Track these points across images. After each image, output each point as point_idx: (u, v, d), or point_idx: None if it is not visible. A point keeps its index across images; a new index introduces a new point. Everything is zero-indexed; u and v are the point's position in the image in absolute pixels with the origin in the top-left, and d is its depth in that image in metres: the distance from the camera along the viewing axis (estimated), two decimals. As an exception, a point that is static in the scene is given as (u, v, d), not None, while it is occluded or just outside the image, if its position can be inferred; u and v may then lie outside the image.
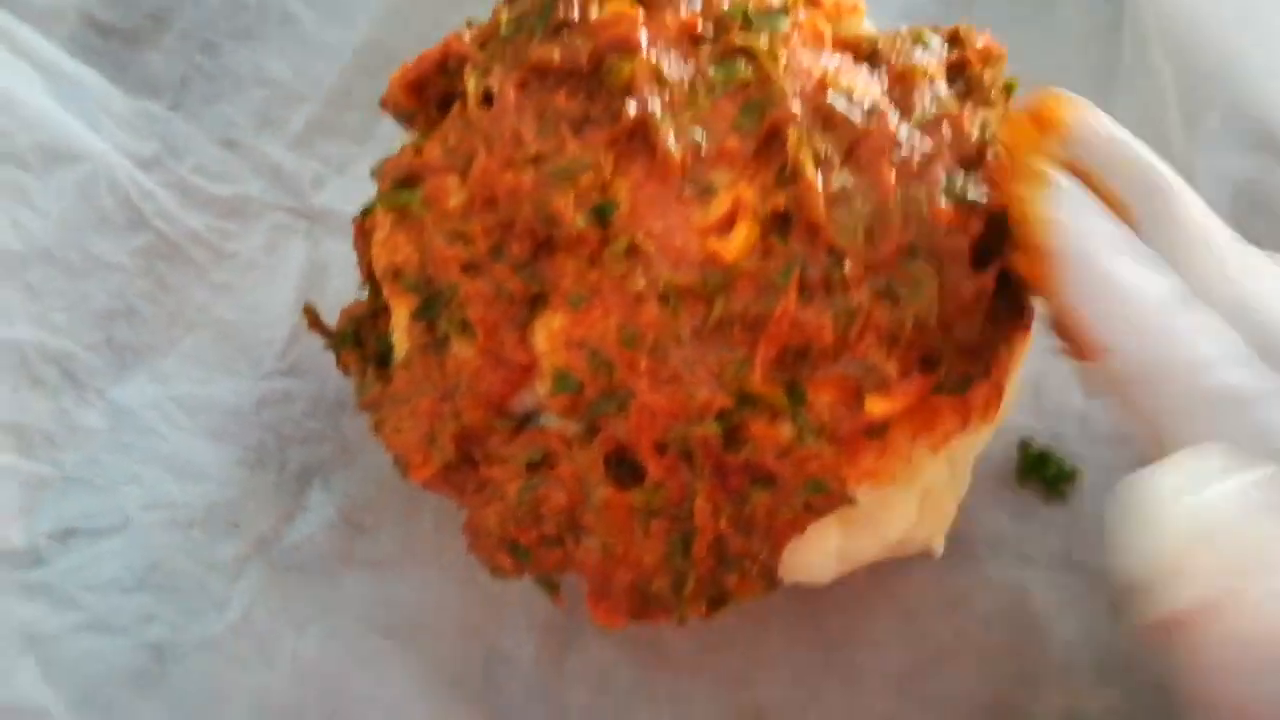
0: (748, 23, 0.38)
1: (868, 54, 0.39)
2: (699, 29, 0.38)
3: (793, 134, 0.36)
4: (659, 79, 0.37)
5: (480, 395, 0.38)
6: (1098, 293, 0.33)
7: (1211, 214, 0.35)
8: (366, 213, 0.41)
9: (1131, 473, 0.30)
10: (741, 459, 0.36)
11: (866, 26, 0.41)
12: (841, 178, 0.36)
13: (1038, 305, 0.39)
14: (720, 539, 0.37)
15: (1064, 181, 0.35)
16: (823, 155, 0.36)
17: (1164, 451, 0.31)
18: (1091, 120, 0.36)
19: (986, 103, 0.39)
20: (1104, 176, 0.35)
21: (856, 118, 0.37)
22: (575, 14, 0.38)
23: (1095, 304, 0.34)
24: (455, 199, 0.38)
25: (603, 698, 0.46)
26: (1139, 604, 0.29)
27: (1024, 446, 0.48)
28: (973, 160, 0.38)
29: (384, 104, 0.43)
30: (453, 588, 0.47)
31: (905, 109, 0.38)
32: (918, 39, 0.40)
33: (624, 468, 0.37)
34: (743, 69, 0.37)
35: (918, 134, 0.37)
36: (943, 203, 0.36)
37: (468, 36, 0.40)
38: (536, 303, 0.37)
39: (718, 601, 0.39)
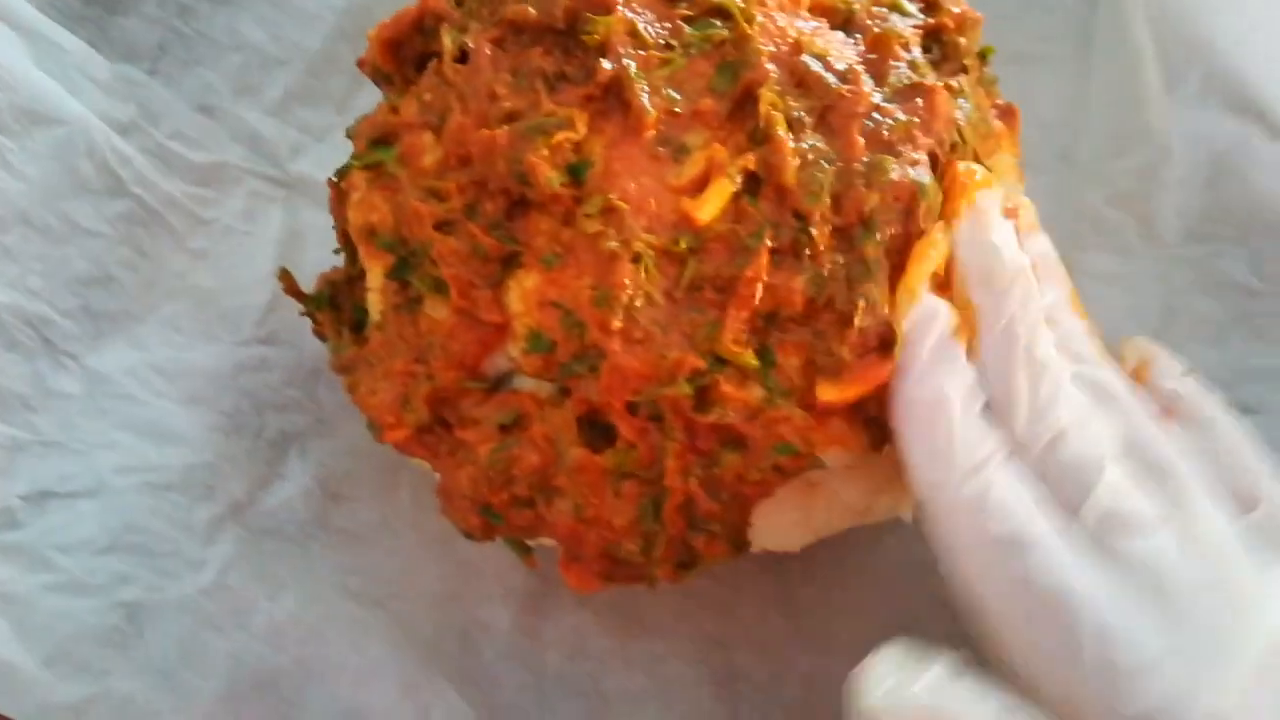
0: (724, -17, 0.38)
1: (844, 18, 0.39)
2: (676, -12, 0.38)
3: (766, 95, 0.36)
4: (634, 37, 0.37)
5: (454, 356, 0.38)
6: (926, 438, 0.35)
7: (1050, 349, 0.36)
8: (342, 174, 0.41)
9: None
10: (711, 420, 0.36)
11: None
12: (812, 140, 0.36)
13: None
14: (690, 500, 0.37)
15: (938, 310, 0.36)
16: (795, 117, 0.36)
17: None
18: (984, 218, 0.37)
19: (962, 69, 0.39)
20: (966, 275, 0.36)
21: (830, 81, 0.37)
22: None
23: (920, 447, 0.35)
24: (430, 156, 0.38)
25: (578, 663, 0.46)
26: None
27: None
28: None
29: (361, 64, 0.42)
30: (429, 558, 0.47)
31: (880, 75, 0.38)
32: (894, 5, 0.40)
33: (596, 430, 0.38)
34: (719, 29, 0.37)
35: (891, 103, 0.38)
36: (907, 177, 0.37)
37: (445, -5, 0.40)
38: (510, 262, 0.37)
39: (686, 565, 0.39)
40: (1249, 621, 0.32)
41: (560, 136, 0.36)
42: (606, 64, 0.36)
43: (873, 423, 0.37)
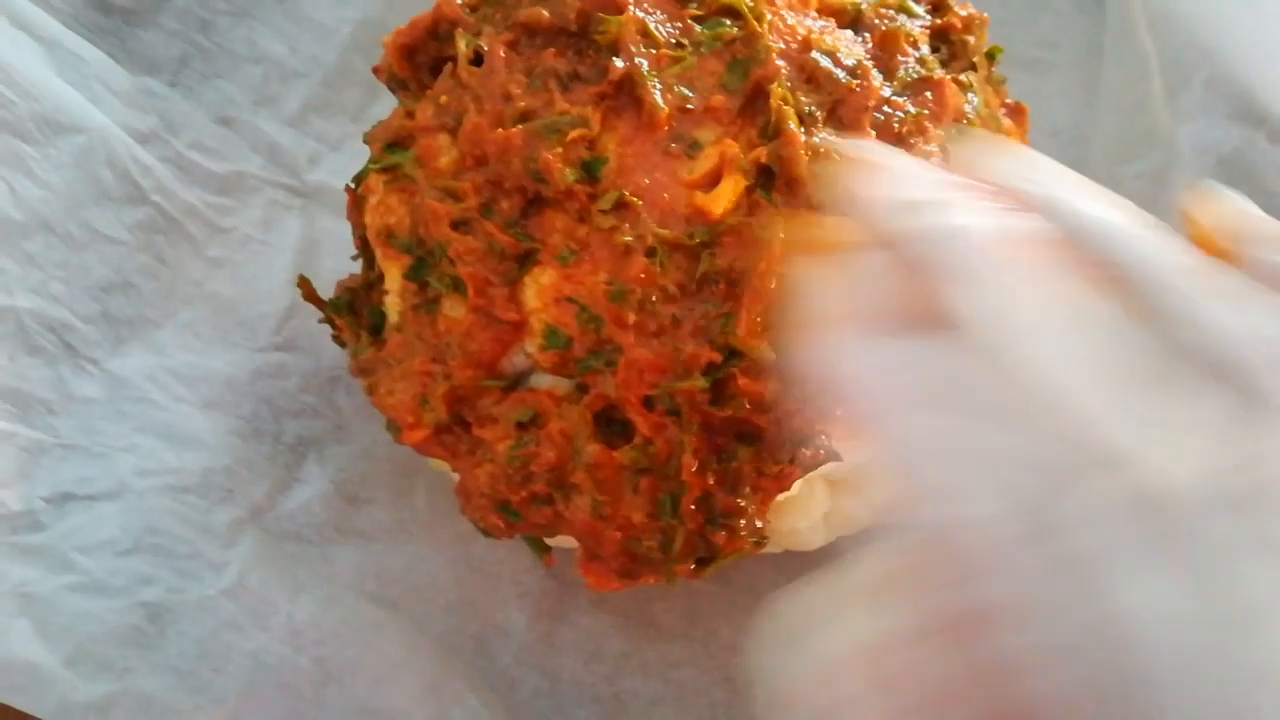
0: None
1: (852, 18, 0.40)
2: (685, -13, 0.39)
3: (776, 90, 0.37)
4: (646, 36, 0.37)
5: (471, 355, 0.39)
6: None
7: None
8: (360, 179, 0.42)
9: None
10: (727, 414, 0.36)
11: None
12: (824, 134, 0.37)
13: None
14: (707, 495, 0.37)
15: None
16: (806, 112, 0.37)
17: None
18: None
19: (971, 67, 0.40)
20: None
21: (840, 76, 0.37)
22: None
23: None
24: (446, 157, 0.39)
25: (594, 667, 0.46)
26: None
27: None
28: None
29: (377, 71, 0.43)
30: (445, 561, 0.48)
31: (889, 70, 0.38)
32: (901, 5, 0.41)
33: (613, 426, 0.38)
34: (729, 27, 0.38)
35: (901, 96, 0.38)
36: None
37: (459, 0, 0.41)
38: (526, 259, 0.38)
39: (706, 560, 0.39)
40: None
41: (574, 134, 0.37)
42: (619, 62, 0.37)
43: None
